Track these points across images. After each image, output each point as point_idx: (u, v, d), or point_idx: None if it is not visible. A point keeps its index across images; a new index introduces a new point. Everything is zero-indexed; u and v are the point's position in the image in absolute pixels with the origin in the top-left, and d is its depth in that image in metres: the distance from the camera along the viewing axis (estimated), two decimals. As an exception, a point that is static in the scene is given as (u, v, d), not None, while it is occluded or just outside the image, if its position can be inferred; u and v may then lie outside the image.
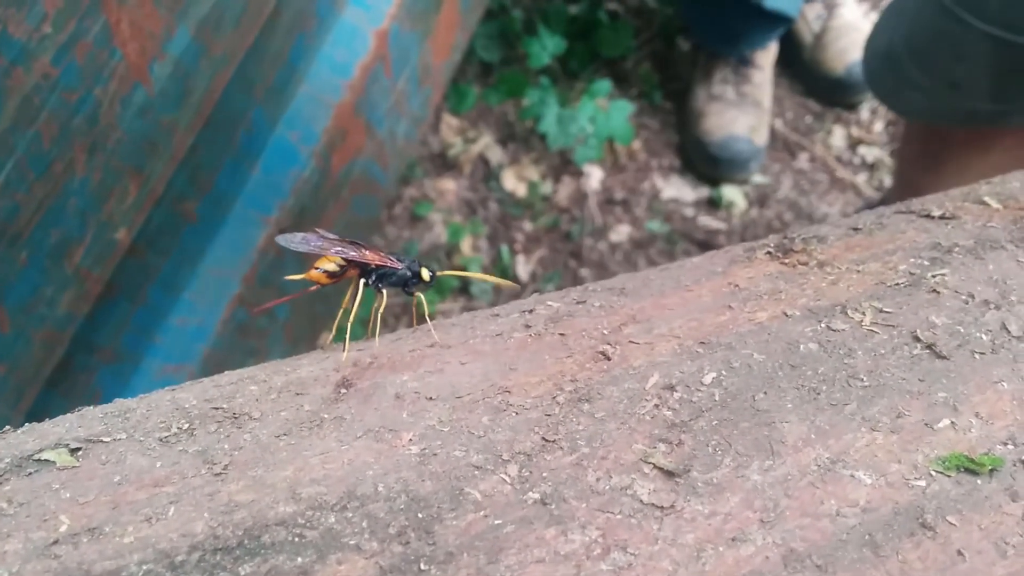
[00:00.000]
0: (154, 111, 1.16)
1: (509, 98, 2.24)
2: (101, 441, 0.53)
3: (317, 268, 0.67)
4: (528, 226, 2.16)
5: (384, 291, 0.69)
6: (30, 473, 0.50)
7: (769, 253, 0.70)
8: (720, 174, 2.22)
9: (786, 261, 0.69)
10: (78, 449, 0.52)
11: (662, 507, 0.49)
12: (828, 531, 0.49)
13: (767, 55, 2.27)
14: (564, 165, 2.23)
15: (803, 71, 2.38)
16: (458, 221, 2.13)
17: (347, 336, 0.63)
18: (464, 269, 2.04)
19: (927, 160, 1.50)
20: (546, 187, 2.20)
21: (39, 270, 1.07)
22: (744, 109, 2.21)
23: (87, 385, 1.32)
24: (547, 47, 2.11)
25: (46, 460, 0.51)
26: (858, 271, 0.66)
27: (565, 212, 2.18)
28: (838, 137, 2.35)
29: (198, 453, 0.52)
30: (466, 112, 2.26)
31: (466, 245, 2.09)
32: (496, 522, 0.48)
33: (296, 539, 0.47)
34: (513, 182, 2.18)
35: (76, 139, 1.04)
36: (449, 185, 2.19)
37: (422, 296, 0.69)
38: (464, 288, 2.05)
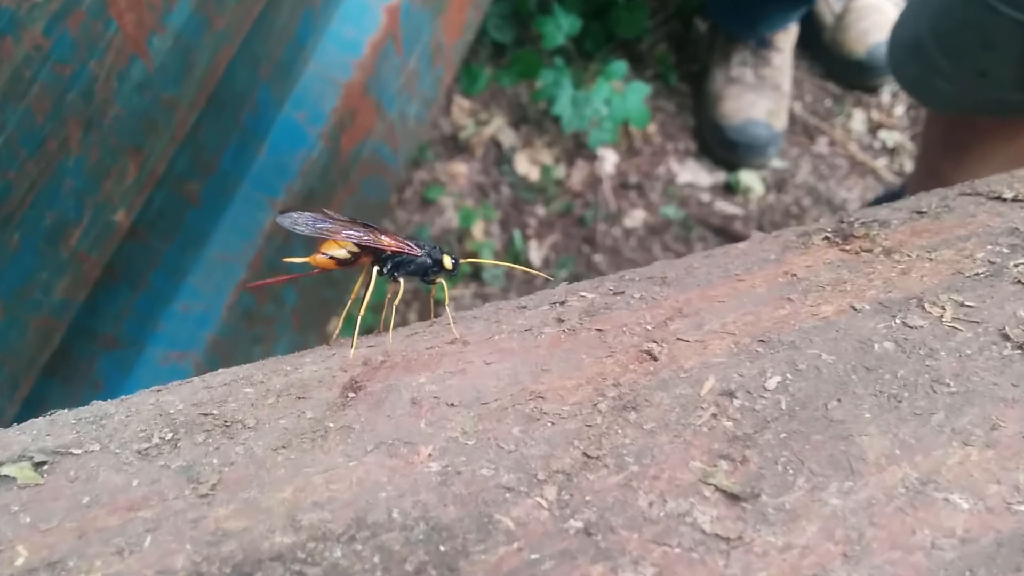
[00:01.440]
0: (153, 87, 1.10)
1: (522, 79, 2.17)
2: (71, 453, 0.45)
3: (324, 253, 0.59)
4: (541, 211, 2.09)
5: (401, 280, 0.61)
6: (-14, 492, 0.43)
7: (827, 239, 0.63)
8: (737, 159, 2.15)
9: (847, 248, 0.62)
10: (43, 463, 0.45)
11: (728, 538, 0.41)
12: (923, 567, 0.41)
13: (787, 37, 2.19)
14: (578, 148, 2.16)
15: (823, 53, 2.31)
16: (469, 205, 2.05)
17: (356, 331, 0.55)
18: (476, 255, 1.97)
19: (951, 147, 1.45)
20: (559, 171, 2.13)
21: (33, 254, 1.01)
22: (763, 92, 2.14)
23: (88, 373, 1.26)
24: (562, 27, 2.03)
25: (5, 476, 0.44)
26: (930, 259, 0.59)
27: (579, 197, 2.11)
28: (858, 121, 2.27)
29: (182, 469, 0.44)
30: (478, 94, 2.18)
31: (478, 230, 2.01)
32: (532, 556, 0.41)
33: (295, 579, 0.39)
34: (526, 166, 2.11)
35: (70, 115, 0.98)
36: (460, 168, 2.11)
37: (444, 285, 0.61)
38: (476, 273, 1.98)
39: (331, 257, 0.59)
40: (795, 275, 0.59)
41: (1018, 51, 1.13)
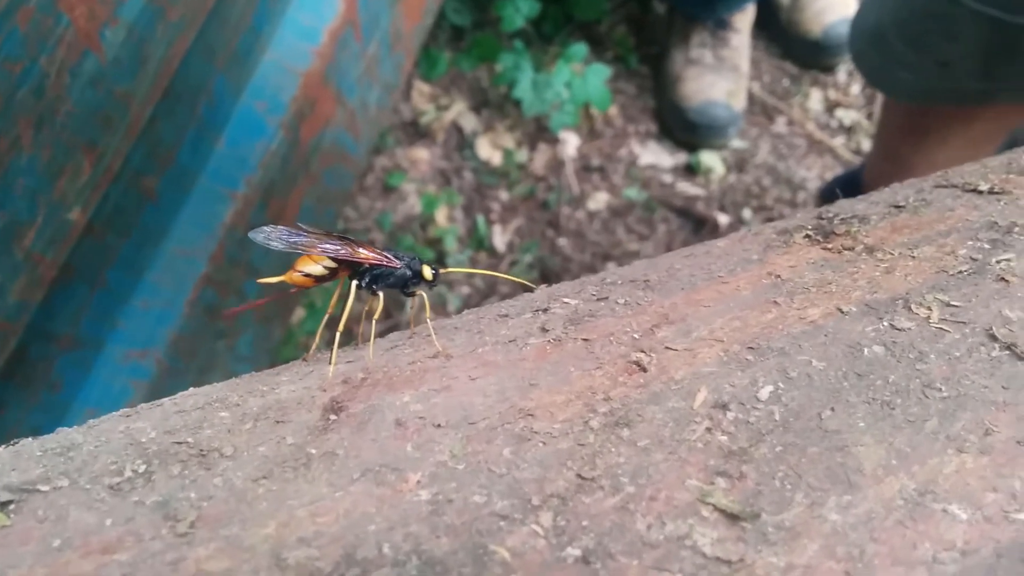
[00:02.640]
0: (107, 81, 1.06)
1: (482, 63, 2.14)
2: (38, 490, 0.43)
3: (299, 271, 0.57)
4: (504, 195, 2.07)
5: (380, 294, 0.59)
6: (-50, 536, 0.41)
7: (808, 236, 0.62)
8: (698, 140, 2.15)
9: (829, 246, 0.61)
10: (9, 503, 0.42)
11: (730, 561, 0.40)
12: (925, 582, 0.40)
13: (745, 18, 2.19)
14: (540, 132, 2.14)
15: (780, 34, 2.31)
16: (432, 191, 2.03)
17: (335, 349, 0.53)
18: (440, 240, 1.95)
19: (909, 131, 1.47)
20: (521, 155, 2.11)
21: (-14, 256, 0.98)
22: (722, 73, 2.14)
23: (46, 375, 1.23)
24: (520, 9, 2.01)
25: (-29, 518, 0.42)
26: (913, 257, 0.58)
27: (541, 180, 2.10)
28: (815, 100, 2.28)
29: (157, 505, 0.42)
30: (438, 78, 2.15)
31: (441, 216, 1.99)
32: (531, 589, 0.39)
33: (284, 622, 0.38)
34: (488, 150, 2.09)
35: (21, 113, 0.95)
36: (422, 154, 2.08)
37: (425, 297, 0.59)
38: (439, 259, 1.95)
39: (307, 275, 0.57)
40: (779, 276, 0.58)
41: (979, 41, 1.14)
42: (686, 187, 2.13)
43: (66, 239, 1.12)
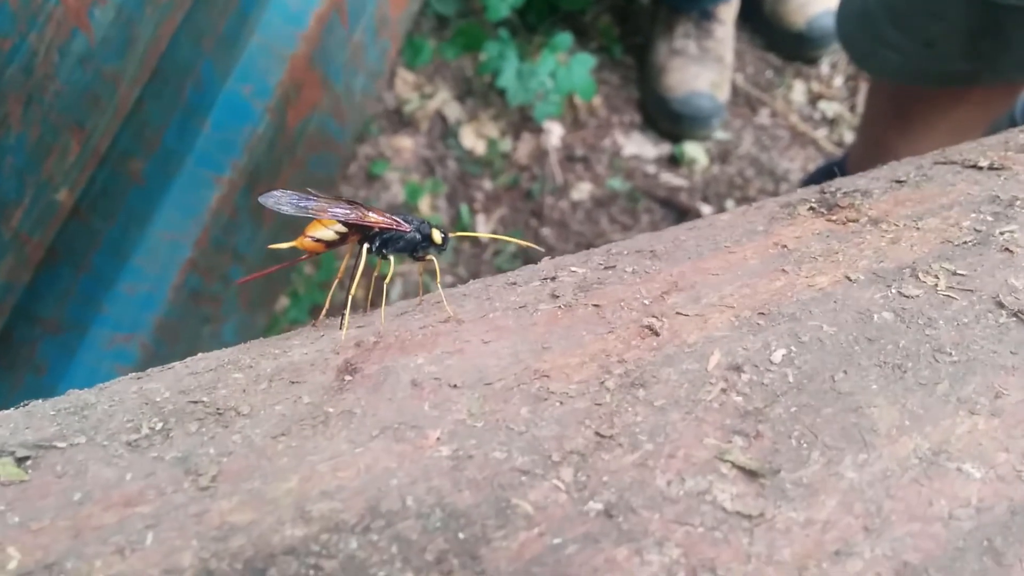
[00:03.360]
0: (95, 61, 1.05)
1: (466, 52, 2.14)
2: (54, 447, 0.43)
3: (310, 236, 0.57)
4: (488, 184, 2.07)
5: (391, 258, 0.58)
6: (-33, 491, 0.40)
7: (812, 209, 0.63)
8: (682, 130, 2.15)
9: (833, 218, 0.62)
10: (26, 458, 0.42)
11: (750, 516, 0.40)
12: (942, 538, 0.41)
13: (729, 9, 2.20)
14: (524, 121, 2.14)
15: (763, 25, 2.31)
16: (416, 180, 2.02)
17: (347, 311, 0.52)
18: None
19: (895, 116, 1.47)
20: (505, 144, 2.11)
21: (-28, 236, 0.97)
22: (706, 64, 2.14)
23: (30, 357, 1.22)
24: (506, -2, 2.00)
25: (-14, 473, 0.41)
26: (917, 228, 0.59)
27: (525, 170, 2.09)
28: (798, 92, 2.29)
29: (177, 460, 0.42)
30: (422, 66, 2.15)
31: (425, 204, 1.99)
32: (555, 541, 0.39)
33: (312, 572, 0.37)
34: (472, 139, 2.08)
35: (10, 91, 0.94)
36: (406, 143, 2.08)
37: (436, 261, 0.59)
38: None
39: (318, 240, 0.57)
40: (785, 246, 0.58)
41: (964, 21, 1.15)
42: (669, 178, 2.14)
43: (53, 220, 1.11)
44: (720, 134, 2.19)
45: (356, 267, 0.57)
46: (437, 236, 0.60)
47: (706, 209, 2.08)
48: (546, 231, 2.02)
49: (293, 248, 0.58)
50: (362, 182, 2.03)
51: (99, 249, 1.30)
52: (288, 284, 1.83)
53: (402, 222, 0.58)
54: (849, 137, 2.20)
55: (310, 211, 0.56)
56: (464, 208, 2.01)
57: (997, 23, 1.12)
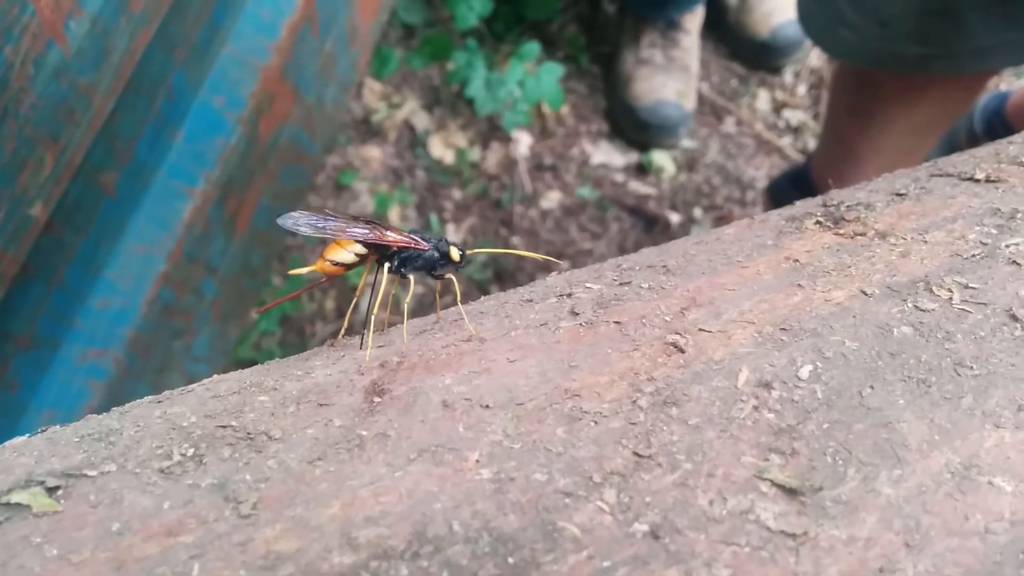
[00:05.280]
0: (71, 73, 1.04)
1: (434, 61, 2.13)
2: (85, 475, 0.42)
3: (330, 260, 0.56)
4: (457, 194, 2.06)
5: (411, 277, 0.58)
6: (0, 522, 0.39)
7: (819, 223, 0.63)
8: (649, 139, 2.17)
9: (841, 231, 0.62)
10: (57, 488, 0.41)
11: (794, 534, 0.41)
12: (980, 552, 0.41)
13: (694, 18, 2.22)
14: (492, 131, 2.14)
15: (728, 34, 2.34)
16: (384, 190, 2.01)
17: (369, 332, 0.52)
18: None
19: (856, 112, 1.50)
20: (474, 154, 2.10)
21: (-53, 252, 0.94)
22: (672, 74, 2.16)
23: (2, 375, 1.19)
24: (474, 8, 2.00)
25: (18, 504, 0.40)
26: (925, 242, 0.60)
27: (494, 179, 2.09)
28: (763, 101, 2.31)
29: (214, 487, 0.41)
30: (389, 76, 2.14)
31: (394, 215, 1.98)
32: (604, 564, 0.39)
33: (365, 600, 0.37)
34: (440, 149, 2.08)
35: (-15, 105, 0.91)
36: (374, 152, 2.07)
37: (454, 279, 0.58)
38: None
39: (337, 263, 0.56)
40: (797, 260, 0.58)
41: (916, 1, 1.17)
42: (638, 186, 2.15)
43: (27, 235, 1.09)
44: (687, 142, 2.20)
45: (376, 287, 0.56)
46: (455, 254, 0.60)
47: (675, 217, 2.09)
48: (516, 240, 2.02)
49: (313, 272, 0.57)
50: (330, 192, 2.02)
51: (71, 263, 1.27)
52: (258, 295, 1.81)
53: (420, 240, 0.58)
54: (813, 145, 2.23)
55: (328, 232, 0.55)
56: (434, 217, 2.00)
57: (949, 3, 1.15)
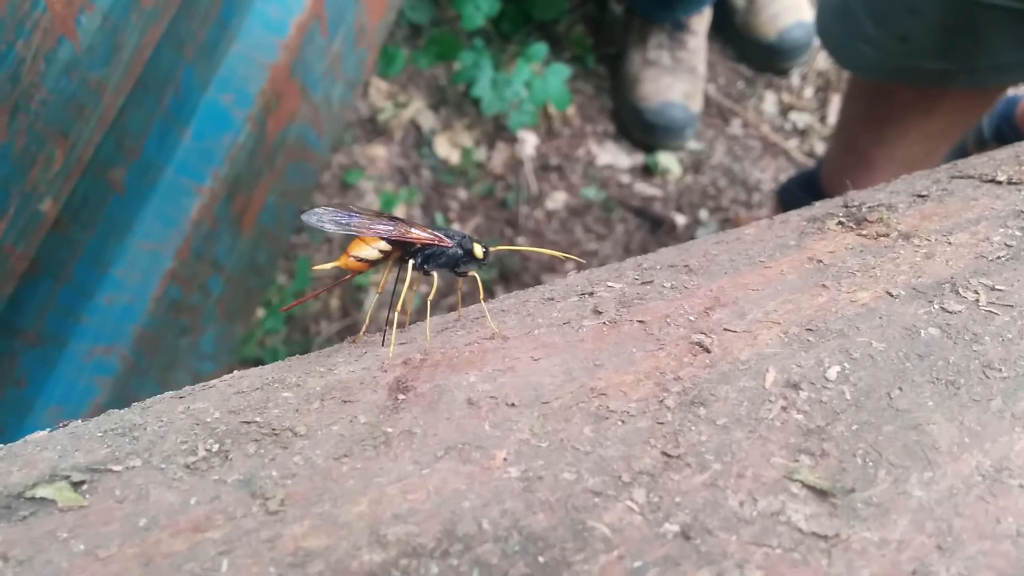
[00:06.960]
0: (81, 69, 1.03)
1: (440, 61, 2.13)
2: (110, 470, 0.41)
3: (354, 256, 0.55)
4: (462, 194, 2.06)
5: (435, 274, 0.57)
6: (24, 517, 0.38)
7: (841, 223, 0.63)
8: (655, 141, 2.16)
9: (864, 232, 0.62)
10: (82, 482, 0.40)
11: (826, 536, 0.40)
12: (1012, 556, 0.41)
13: (702, 20, 2.21)
14: (498, 131, 2.14)
15: (735, 36, 2.33)
16: (390, 189, 2.01)
17: (393, 327, 0.51)
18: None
19: (870, 121, 1.49)
20: (480, 154, 2.10)
21: (-44, 247, 0.94)
22: (679, 75, 2.15)
23: (9, 371, 1.19)
24: (481, 8, 2.00)
25: (43, 499, 0.39)
26: (949, 243, 0.59)
27: (500, 179, 2.09)
28: (770, 103, 2.31)
29: (241, 483, 0.40)
30: (395, 75, 2.13)
31: (399, 214, 1.97)
32: (635, 564, 0.39)
33: (397, 599, 0.36)
34: (446, 148, 2.07)
35: (-3, 99, 0.91)
36: (380, 152, 2.06)
37: (478, 276, 0.58)
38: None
39: (362, 259, 0.56)
40: (820, 261, 0.58)
41: (939, 16, 1.17)
42: (643, 187, 2.14)
43: (37, 231, 1.08)
44: (693, 144, 2.20)
45: (400, 283, 0.55)
46: (479, 251, 0.60)
47: (680, 219, 2.09)
48: (521, 240, 2.01)
49: (336, 268, 0.57)
50: (336, 191, 2.02)
51: (79, 260, 1.27)
52: (264, 293, 1.80)
53: (444, 237, 0.57)
54: (820, 147, 2.22)
55: (352, 228, 0.55)
56: (439, 217, 2.00)
57: (971, 20, 1.14)
